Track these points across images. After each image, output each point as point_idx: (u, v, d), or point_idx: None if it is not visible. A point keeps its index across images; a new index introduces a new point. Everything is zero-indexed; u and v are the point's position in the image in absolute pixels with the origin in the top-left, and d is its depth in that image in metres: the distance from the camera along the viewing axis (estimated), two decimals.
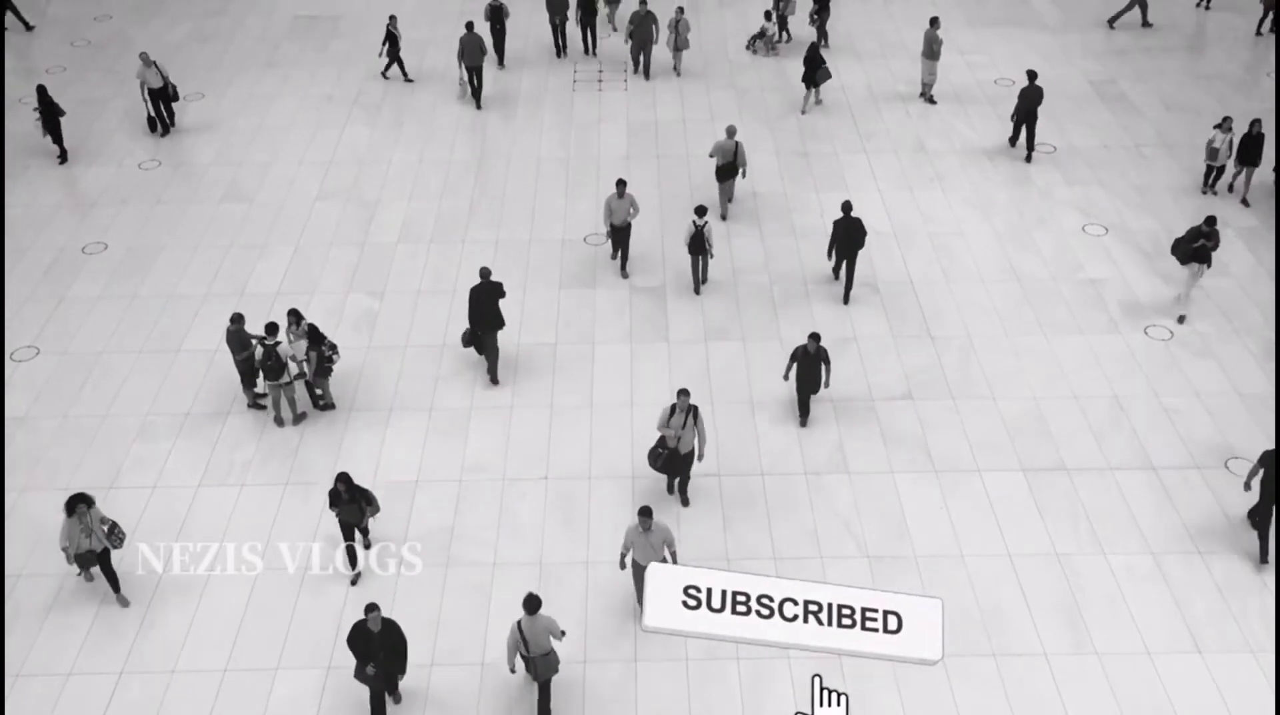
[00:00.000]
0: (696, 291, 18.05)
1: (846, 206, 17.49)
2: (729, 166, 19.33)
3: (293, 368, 15.15)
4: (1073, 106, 23.28)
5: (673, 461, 13.93)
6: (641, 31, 23.90)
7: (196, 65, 25.38)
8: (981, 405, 15.92)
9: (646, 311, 17.71)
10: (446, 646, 12.71)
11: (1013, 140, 21.79)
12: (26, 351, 17.09)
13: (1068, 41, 25.95)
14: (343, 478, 12.88)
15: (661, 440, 13.85)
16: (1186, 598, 13.16)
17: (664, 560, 12.05)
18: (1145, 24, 26.42)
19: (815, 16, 25.39)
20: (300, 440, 15.46)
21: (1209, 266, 17.02)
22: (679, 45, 24.12)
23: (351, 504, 13.02)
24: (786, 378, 15.29)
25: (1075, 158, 21.63)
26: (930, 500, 14.46)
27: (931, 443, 15.30)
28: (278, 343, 14.99)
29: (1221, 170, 20.11)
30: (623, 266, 18.42)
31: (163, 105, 22.38)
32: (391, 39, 23.94)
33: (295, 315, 15.48)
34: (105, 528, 12.79)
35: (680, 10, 24.01)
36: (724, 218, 19.74)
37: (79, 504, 12.56)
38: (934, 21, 22.81)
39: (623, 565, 12.72)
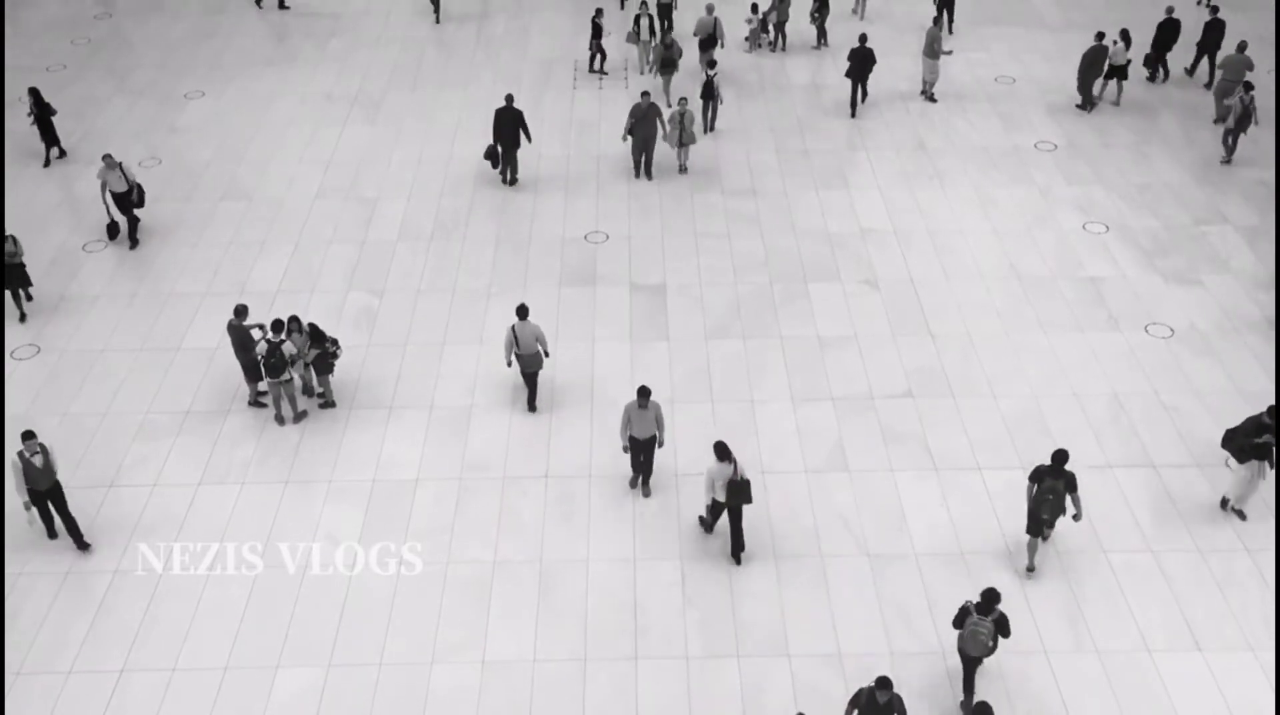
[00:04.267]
0: (707, 130, 22.18)
1: (862, 38, 22.09)
2: (710, 38, 23.60)
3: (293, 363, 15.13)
4: (1073, 103, 23.26)
5: None
6: (644, 128, 20.39)
7: (196, 63, 25.38)
8: (981, 403, 15.92)
9: (647, 310, 17.71)
10: (447, 644, 12.72)
11: (946, 22, 25.37)
12: (27, 350, 17.09)
13: (1068, 40, 25.92)
14: None
15: None
16: (1186, 595, 13.17)
17: None
18: None
19: (816, 15, 25.40)
20: (301, 438, 15.47)
21: (1273, 466, 13.64)
22: (684, 140, 20.62)
23: None
24: None
25: (1075, 156, 21.61)
26: (930, 498, 14.47)
27: (931, 441, 15.31)
28: (282, 341, 14.97)
29: None
30: (645, 484, 14.68)
31: (127, 212, 19.08)
32: (596, 29, 24.02)
33: (295, 322, 15.39)
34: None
35: (684, 101, 20.38)
36: (714, 74, 22.84)
37: None
38: (936, 20, 22.82)
39: None
